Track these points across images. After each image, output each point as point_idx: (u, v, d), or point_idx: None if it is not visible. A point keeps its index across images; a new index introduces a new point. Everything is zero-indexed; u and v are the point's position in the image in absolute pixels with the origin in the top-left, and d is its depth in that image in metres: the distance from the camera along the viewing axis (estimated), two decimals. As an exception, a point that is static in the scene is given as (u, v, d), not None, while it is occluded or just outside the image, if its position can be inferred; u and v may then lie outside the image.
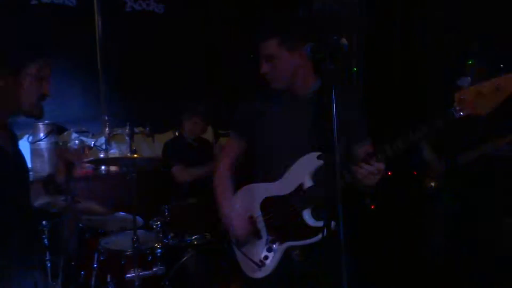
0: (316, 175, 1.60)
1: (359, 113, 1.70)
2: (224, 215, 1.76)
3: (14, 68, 1.36)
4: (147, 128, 3.29)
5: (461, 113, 1.36)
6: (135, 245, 2.24)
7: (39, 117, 1.47)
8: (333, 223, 1.51)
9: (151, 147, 3.44)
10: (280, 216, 1.65)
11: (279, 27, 1.58)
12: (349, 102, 1.65)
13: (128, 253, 2.38)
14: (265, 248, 1.67)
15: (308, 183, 1.60)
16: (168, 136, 3.51)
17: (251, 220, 1.72)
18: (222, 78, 3.93)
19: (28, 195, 1.52)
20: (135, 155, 2.28)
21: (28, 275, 1.42)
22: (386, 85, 3.84)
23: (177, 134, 3.40)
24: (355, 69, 3.97)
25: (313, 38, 1.47)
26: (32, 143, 3.17)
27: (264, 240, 1.68)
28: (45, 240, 2.52)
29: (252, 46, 1.66)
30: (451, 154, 2.60)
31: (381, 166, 1.45)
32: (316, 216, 1.61)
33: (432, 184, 2.66)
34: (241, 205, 1.76)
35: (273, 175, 1.67)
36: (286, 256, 1.65)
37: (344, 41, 1.27)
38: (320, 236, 1.56)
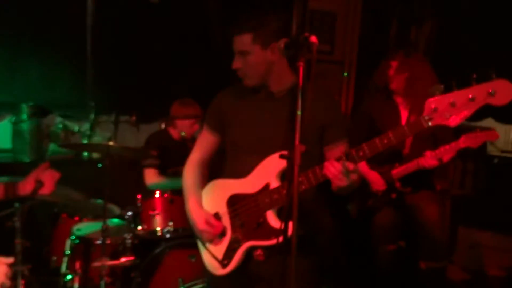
0: (284, 175, 1.58)
1: (335, 114, 1.67)
2: (189, 210, 1.74)
3: None
4: (133, 117, 3.25)
5: (430, 123, 1.32)
6: (104, 234, 2.21)
7: None
8: (295, 226, 1.49)
9: (135, 137, 3.40)
10: (245, 215, 1.63)
11: (253, 22, 1.55)
12: (325, 102, 1.63)
13: (97, 242, 2.35)
14: (228, 246, 1.65)
15: (274, 183, 1.58)
16: (154, 127, 3.47)
17: (217, 216, 1.70)
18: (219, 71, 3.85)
19: None
20: (111, 143, 2.25)
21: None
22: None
23: (163, 127, 3.31)
24: (345, 73, 3.95)
25: (287, 35, 1.45)
26: (14, 123, 3.14)
27: (228, 237, 1.67)
28: (17, 223, 2.49)
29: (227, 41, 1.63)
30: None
31: (351, 166, 1.42)
32: (280, 218, 1.58)
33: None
34: (208, 201, 1.74)
35: (242, 172, 1.65)
36: (248, 255, 1.63)
37: (314, 39, 1.25)
38: (281, 237, 1.52)
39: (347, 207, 3.43)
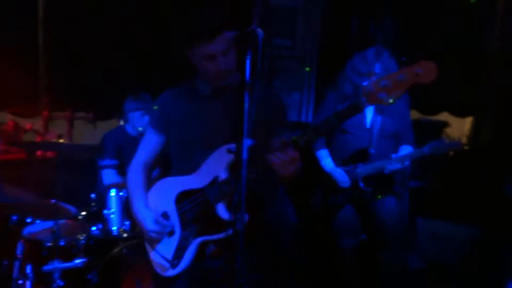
0: (232, 167, 1.57)
1: (281, 106, 1.71)
2: (135, 211, 1.69)
3: None
4: (90, 114, 3.14)
5: (367, 105, 1.42)
6: (56, 236, 2.12)
7: None
8: (246, 217, 1.48)
9: (92, 134, 3.29)
10: (194, 210, 1.60)
11: (227, 19, 1.52)
12: (270, 95, 1.65)
13: (49, 244, 2.26)
14: (178, 244, 1.62)
15: (223, 175, 1.56)
16: (113, 124, 3.37)
17: (165, 215, 1.66)
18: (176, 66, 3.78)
19: None
20: (61, 140, 2.15)
21: None
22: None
23: (122, 124, 3.20)
24: (307, 68, 3.97)
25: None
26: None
27: (177, 236, 1.63)
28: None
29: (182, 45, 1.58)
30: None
31: (294, 154, 1.44)
32: (230, 210, 1.57)
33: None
34: (155, 201, 1.70)
35: (190, 169, 1.63)
36: (200, 252, 1.61)
37: (260, 31, 1.24)
38: (231, 230, 1.50)
39: (310, 202, 3.46)
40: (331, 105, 2.74)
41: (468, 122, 4.84)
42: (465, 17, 3.97)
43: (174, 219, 1.65)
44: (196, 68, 1.64)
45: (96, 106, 3.39)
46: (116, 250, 2.44)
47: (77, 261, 2.22)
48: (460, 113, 4.51)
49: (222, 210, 1.56)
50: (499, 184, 3.84)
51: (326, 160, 2.71)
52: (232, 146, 1.50)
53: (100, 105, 3.47)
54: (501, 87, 3.90)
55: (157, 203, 1.69)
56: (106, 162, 2.73)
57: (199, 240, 1.58)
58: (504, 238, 3.44)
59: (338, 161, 2.71)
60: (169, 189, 1.67)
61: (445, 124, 4.72)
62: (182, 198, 1.63)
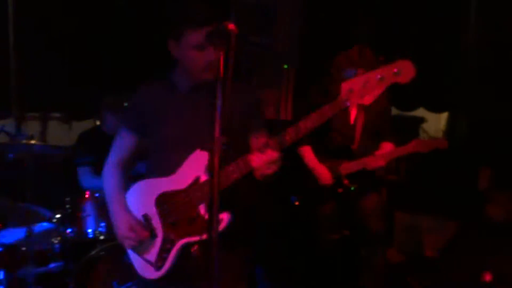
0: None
1: (257, 103, 1.69)
2: (112, 215, 1.65)
3: None
4: (64, 114, 3.07)
5: (347, 103, 1.43)
6: (29, 240, 2.06)
7: None
8: (229, 217, 1.49)
9: (67, 135, 3.21)
10: (176, 212, 1.58)
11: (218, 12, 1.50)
12: (246, 91, 1.64)
13: (23, 249, 2.20)
14: (161, 247, 1.59)
15: (204, 176, 1.54)
16: (88, 124, 3.29)
17: (146, 218, 1.62)
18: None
19: None
20: (33, 142, 2.10)
21: None
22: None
23: (98, 123, 3.13)
24: (286, 66, 3.97)
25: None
26: None
27: (160, 238, 1.60)
28: None
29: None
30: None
31: (275, 154, 1.44)
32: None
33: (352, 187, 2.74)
34: (134, 204, 1.66)
35: (169, 169, 1.59)
36: (184, 253, 1.58)
37: (232, 27, 1.22)
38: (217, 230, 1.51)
39: (291, 198, 3.48)
40: (314, 103, 2.75)
41: (443, 117, 4.94)
42: (442, 15, 4.05)
43: (156, 221, 1.61)
44: (178, 62, 1.59)
45: (71, 105, 3.31)
46: (93, 252, 2.40)
47: (52, 265, 2.17)
48: (435, 108, 4.59)
49: (205, 211, 1.54)
50: (474, 177, 3.94)
51: (309, 156, 2.72)
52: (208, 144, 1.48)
53: (76, 104, 3.38)
54: (475, 83, 3.99)
55: (136, 205, 1.65)
56: (82, 159, 2.67)
57: (183, 241, 1.55)
58: (479, 230, 3.53)
59: (322, 157, 2.72)
60: (148, 191, 1.62)
61: (421, 120, 4.81)
62: (163, 200, 1.59)
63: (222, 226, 1.49)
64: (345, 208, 2.81)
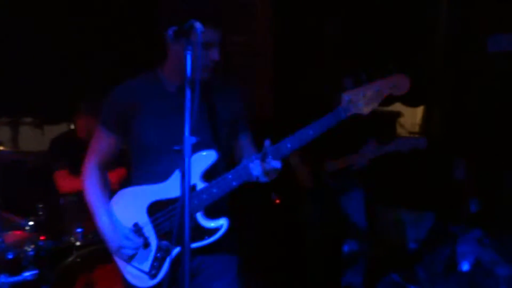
0: (208, 174, 1.51)
1: (243, 105, 1.67)
2: (101, 227, 1.55)
3: None
4: (36, 119, 2.98)
5: (347, 113, 1.45)
6: (1, 248, 1.99)
7: None
8: (226, 221, 1.49)
9: (39, 140, 3.13)
10: (171, 220, 1.51)
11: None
12: (234, 93, 1.63)
13: (-6, 258, 2.12)
14: (155, 255, 1.53)
15: (200, 183, 1.50)
16: (62, 128, 3.20)
17: (137, 227, 1.55)
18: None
19: None
20: (1, 148, 2.03)
21: None
22: (297, 83, 3.89)
23: (71, 127, 3.04)
24: (265, 64, 3.97)
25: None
26: None
27: (153, 247, 1.54)
28: None
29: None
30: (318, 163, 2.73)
31: (278, 165, 1.44)
32: (210, 216, 1.52)
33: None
34: (122, 212, 1.57)
35: (159, 176, 1.52)
36: (178, 260, 1.50)
37: (198, 25, 1.20)
38: (215, 236, 1.50)
39: (271, 198, 3.48)
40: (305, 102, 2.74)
41: (419, 111, 5.02)
42: (413, 13, 4.12)
43: (148, 231, 1.54)
44: (168, 58, 1.52)
45: (43, 110, 3.22)
46: (69, 259, 2.34)
47: (27, 273, 2.09)
48: (411, 103, 4.67)
49: (202, 219, 1.50)
50: (449, 169, 4.02)
51: (292, 155, 2.71)
52: (210, 151, 1.47)
53: (48, 108, 3.30)
54: (448, 77, 4.07)
55: (125, 214, 1.56)
56: (59, 163, 2.60)
57: (177, 249, 1.49)
58: (455, 221, 3.60)
59: (305, 155, 2.71)
60: (138, 199, 1.55)
61: (398, 114, 4.89)
62: (156, 209, 1.53)
63: (222, 232, 1.49)
64: (329, 205, 2.83)
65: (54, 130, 3.09)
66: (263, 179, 1.46)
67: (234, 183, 1.46)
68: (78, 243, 2.32)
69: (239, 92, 1.69)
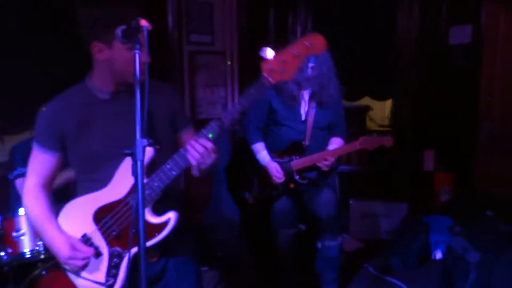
0: (150, 170, 1.48)
1: (180, 100, 1.73)
2: (48, 240, 1.51)
3: None
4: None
5: (271, 80, 1.45)
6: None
7: None
8: (174, 214, 1.47)
9: (0, 150, 3.00)
10: (119, 223, 1.49)
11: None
12: (168, 90, 1.63)
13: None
14: (109, 263, 1.49)
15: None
16: (23, 137, 3.09)
17: (85, 238, 1.51)
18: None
19: None
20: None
21: None
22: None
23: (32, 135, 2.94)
24: (229, 62, 3.95)
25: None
26: None
27: (105, 255, 1.50)
28: None
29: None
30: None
31: (208, 144, 1.42)
32: (157, 212, 1.50)
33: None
34: (69, 226, 1.53)
35: (102, 182, 1.50)
36: (136, 262, 1.50)
37: (144, 23, 1.17)
38: (164, 231, 1.47)
39: (244, 195, 3.45)
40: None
41: (388, 104, 5.11)
42: (378, 8, 4.18)
43: (97, 239, 1.50)
44: (96, 67, 1.49)
45: (3, 119, 3.09)
46: (34, 273, 2.24)
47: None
48: (380, 97, 4.75)
49: (149, 215, 1.48)
50: (419, 161, 4.10)
51: (262, 153, 2.70)
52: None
53: (8, 117, 3.17)
54: (415, 71, 4.15)
55: (73, 226, 1.52)
56: (18, 171, 2.50)
57: (133, 252, 1.45)
58: (426, 210, 3.67)
59: (274, 153, 2.71)
60: (82, 209, 1.51)
61: (368, 108, 4.96)
62: (102, 215, 1.50)
63: (171, 225, 1.46)
64: (299, 203, 2.82)
65: (14, 141, 2.97)
66: (201, 165, 1.45)
67: (173, 173, 1.45)
68: (41, 256, 2.22)
69: (173, 89, 1.70)
